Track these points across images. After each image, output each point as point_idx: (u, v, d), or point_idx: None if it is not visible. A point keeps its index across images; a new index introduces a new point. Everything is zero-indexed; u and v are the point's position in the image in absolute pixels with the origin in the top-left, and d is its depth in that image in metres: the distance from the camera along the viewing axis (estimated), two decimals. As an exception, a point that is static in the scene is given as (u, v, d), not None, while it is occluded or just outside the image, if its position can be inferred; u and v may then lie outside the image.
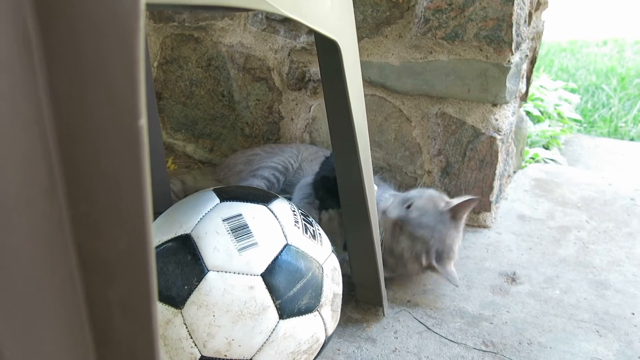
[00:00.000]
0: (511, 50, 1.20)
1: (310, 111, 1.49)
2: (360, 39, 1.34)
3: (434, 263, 1.08)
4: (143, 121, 0.37)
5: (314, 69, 1.44)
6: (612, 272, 1.22)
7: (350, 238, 1.03)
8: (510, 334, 1.04)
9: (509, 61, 1.22)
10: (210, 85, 1.60)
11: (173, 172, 1.67)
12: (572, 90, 2.74)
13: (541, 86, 2.49)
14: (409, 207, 1.10)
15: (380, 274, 1.04)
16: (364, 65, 1.35)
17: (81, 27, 0.35)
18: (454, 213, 1.10)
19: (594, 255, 1.28)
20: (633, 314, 1.10)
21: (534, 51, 1.52)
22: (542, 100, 2.34)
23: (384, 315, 1.09)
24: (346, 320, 1.07)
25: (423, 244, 1.08)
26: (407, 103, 1.36)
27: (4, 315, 0.38)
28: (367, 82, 1.38)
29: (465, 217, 1.12)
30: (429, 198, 1.11)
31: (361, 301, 1.11)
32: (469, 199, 1.10)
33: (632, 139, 2.51)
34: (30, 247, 0.39)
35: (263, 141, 1.58)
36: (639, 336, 1.04)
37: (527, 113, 2.21)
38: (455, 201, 1.11)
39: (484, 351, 1.00)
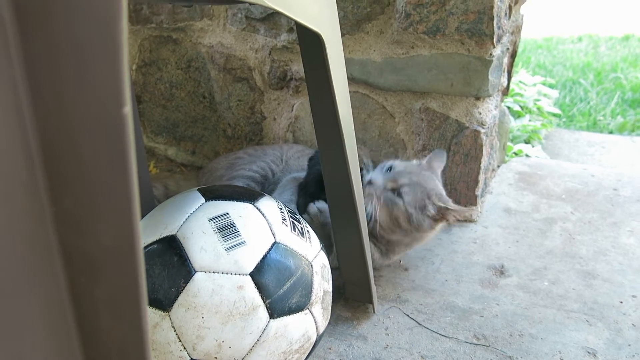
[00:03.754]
0: (493, 43, 1.21)
1: (292, 110, 1.48)
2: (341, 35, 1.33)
3: (444, 203, 1.08)
4: (127, 109, 0.36)
5: (295, 68, 1.43)
6: (599, 261, 1.23)
7: (338, 235, 1.02)
8: (501, 326, 1.04)
9: (490, 54, 1.23)
10: (191, 87, 1.57)
11: (155, 177, 1.65)
12: (551, 86, 2.77)
13: (520, 82, 2.51)
14: (389, 170, 1.11)
15: (370, 271, 1.03)
16: (346, 62, 1.34)
17: (58, 10, 0.34)
18: (429, 164, 1.16)
19: (581, 246, 1.29)
20: (621, 302, 1.10)
21: (514, 45, 1.53)
22: (521, 95, 2.36)
23: (374, 312, 1.08)
24: (336, 318, 1.06)
25: (422, 192, 1.08)
26: (390, 99, 1.36)
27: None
28: (350, 79, 1.37)
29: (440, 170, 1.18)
30: (403, 161, 1.17)
31: (351, 299, 1.10)
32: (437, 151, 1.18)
33: (610, 132, 2.54)
34: (11, 244, 0.36)
35: (246, 142, 1.56)
36: (628, 324, 1.04)
37: (508, 108, 2.22)
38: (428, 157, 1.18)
39: (476, 344, 0.99)
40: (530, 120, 2.22)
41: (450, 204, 1.09)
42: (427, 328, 1.03)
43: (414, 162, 1.18)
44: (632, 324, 1.04)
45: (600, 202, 1.48)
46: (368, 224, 1.05)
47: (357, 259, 1.01)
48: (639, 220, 1.39)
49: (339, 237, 1.02)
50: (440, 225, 1.12)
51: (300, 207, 1.16)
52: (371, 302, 1.07)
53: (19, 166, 0.36)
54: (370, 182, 1.08)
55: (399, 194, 1.07)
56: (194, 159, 1.66)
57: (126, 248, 0.41)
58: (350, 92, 1.37)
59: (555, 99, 2.58)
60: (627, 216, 1.41)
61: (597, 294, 1.13)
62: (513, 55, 1.54)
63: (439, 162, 1.18)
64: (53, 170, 0.38)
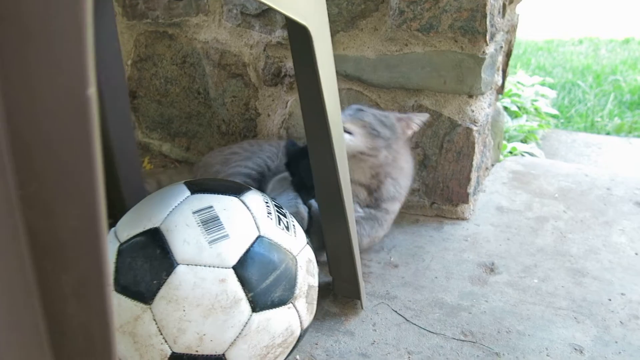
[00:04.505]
0: (485, 41, 1.20)
1: (286, 107, 1.48)
2: (335, 32, 1.33)
3: (404, 115, 1.21)
4: (92, 90, 0.36)
5: (290, 64, 1.43)
6: (589, 260, 1.23)
7: (327, 231, 1.02)
8: (489, 323, 1.04)
9: (483, 52, 1.22)
10: (186, 82, 1.57)
11: (149, 172, 1.65)
12: (550, 86, 2.76)
13: (518, 82, 2.51)
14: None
15: (358, 267, 1.03)
16: (340, 59, 1.35)
17: (18, -8, 0.34)
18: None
19: (572, 244, 1.29)
20: (610, 300, 1.10)
21: (509, 44, 1.53)
22: (519, 95, 2.35)
23: (362, 308, 1.07)
24: (324, 314, 1.05)
25: (379, 112, 1.19)
26: (384, 96, 1.36)
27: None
28: (343, 76, 1.37)
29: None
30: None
31: (339, 295, 1.10)
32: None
33: (608, 133, 2.54)
34: None
35: (240, 138, 1.56)
36: (616, 322, 1.04)
37: (505, 108, 2.22)
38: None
39: (463, 341, 0.99)
40: (527, 121, 2.22)
41: (406, 114, 1.22)
42: (415, 324, 1.03)
43: None
44: (620, 322, 1.04)
45: (592, 202, 1.47)
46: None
47: (345, 254, 1.01)
48: (631, 220, 1.38)
49: (327, 233, 1.02)
50: (410, 135, 1.22)
51: (306, 204, 1.16)
52: (359, 298, 1.07)
53: None
54: None
55: (361, 110, 1.17)
56: (188, 155, 1.66)
57: (91, 230, 0.41)
58: (344, 89, 1.38)
59: (553, 99, 2.58)
60: (619, 215, 1.40)
61: (586, 292, 1.12)
62: (508, 54, 1.54)
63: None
64: (19, 152, 0.38)
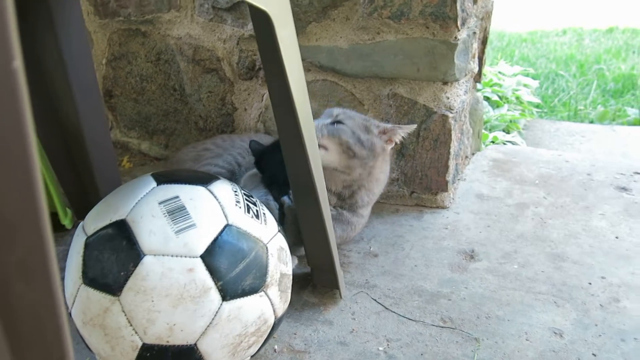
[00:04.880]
0: (457, 26, 1.20)
1: (263, 100, 1.47)
2: (307, 23, 1.32)
3: (390, 125, 1.15)
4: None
5: (265, 57, 1.42)
6: (569, 244, 1.22)
7: (302, 221, 1.01)
8: (468, 309, 1.03)
9: (455, 37, 1.22)
10: (161, 79, 1.56)
11: (129, 171, 1.63)
12: (533, 76, 2.77)
13: (499, 72, 2.51)
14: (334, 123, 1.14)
15: (334, 256, 1.02)
16: (313, 50, 1.34)
17: None
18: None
19: (552, 230, 1.28)
20: (590, 283, 1.10)
21: (485, 31, 1.52)
22: (500, 85, 2.36)
23: (341, 297, 1.06)
24: (303, 304, 1.04)
25: (359, 119, 1.14)
26: (359, 86, 1.35)
27: None
28: (317, 67, 1.36)
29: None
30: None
31: (318, 285, 1.09)
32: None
33: (591, 121, 2.55)
34: None
35: (218, 134, 1.55)
36: (596, 305, 1.03)
37: (487, 99, 2.22)
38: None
39: (442, 327, 0.99)
40: (508, 110, 2.22)
41: (391, 125, 1.15)
42: (394, 312, 1.02)
43: None
44: (600, 305, 1.03)
45: (573, 187, 1.47)
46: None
47: (321, 244, 1.00)
48: (611, 204, 1.38)
49: (303, 223, 1.01)
50: (390, 149, 1.17)
51: (278, 201, 1.14)
52: (338, 287, 1.06)
53: None
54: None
55: (340, 122, 1.11)
56: (167, 152, 1.65)
57: (29, 212, 0.40)
58: (318, 80, 1.37)
59: (535, 88, 2.58)
60: (600, 200, 1.40)
61: (566, 276, 1.12)
62: (484, 42, 1.54)
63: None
64: None
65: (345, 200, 1.17)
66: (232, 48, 1.44)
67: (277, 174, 1.15)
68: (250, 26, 1.40)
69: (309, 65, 1.36)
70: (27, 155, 0.38)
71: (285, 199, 1.13)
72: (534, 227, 1.29)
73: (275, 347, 0.94)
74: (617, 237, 1.25)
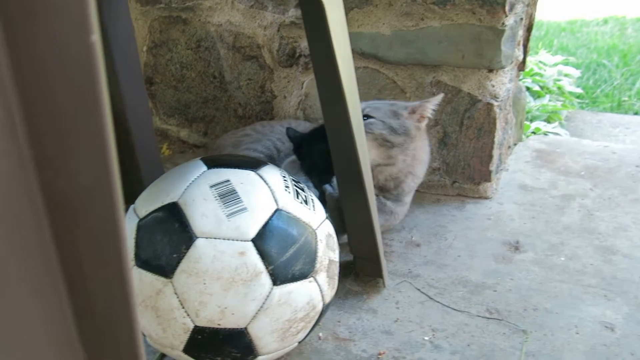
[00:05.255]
0: (505, 12, 1.17)
1: (302, 87, 1.46)
2: (349, 10, 1.30)
3: (417, 102, 1.13)
4: (95, 37, 0.34)
5: (304, 44, 1.41)
6: (619, 237, 1.19)
7: (346, 210, 1.00)
8: (514, 300, 1.01)
9: (503, 23, 1.19)
10: (201, 67, 1.57)
11: (168, 158, 1.65)
12: (573, 66, 2.69)
13: (540, 62, 2.45)
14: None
15: (379, 245, 1.01)
16: (355, 37, 1.32)
17: None
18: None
19: (599, 222, 1.25)
20: (641, 277, 1.06)
21: (530, 18, 1.48)
22: (541, 75, 2.30)
23: (384, 286, 1.06)
24: (346, 292, 1.04)
25: (384, 107, 1.13)
26: (401, 73, 1.33)
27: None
28: (359, 54, 1.35)
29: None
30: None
31: (361, 273, 1.08)
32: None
33: (636, 113, 2.47)
34: None
35: (257, 121, 1.55)
36: (648, 298, 1.00)
37: (527, 89, 2.16)
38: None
39: (488, 318, 0.97)
40: (550, 101, 2.16)
41: (418, 102, 1.13)
42: (439, 302, 1.01)
43: None
44: (653, 298, 1.00)
45: (621, 179, 1.43)
46: None
47: (366, 232, 0.99)
48: (662, 196, 1.34)
49: (347, 211, 1.00)
50: (424, 124, 1.15)
51: (318, 189, 1.14)
52: (381, 276, 1.05)
53: None
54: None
55: (367, 116, 1.10)
56: (206, 140, 1.66)
57: (103, 186, 0.40)
58: (360, 67, 1.35)
59: (576, 78, 2.51)
60: (650, 192, 1.36)
61: (616, 270, 1.09)
62: (529, 29, 1.50)
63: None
64: (28, 108, 0.37)
65: (390, 191, 1.16)
66: (273, 35, 1.43)
67: (317, 161, 1.14)
68: (291, 12, 1.39)
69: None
70: (102, 130, 0.38)
71: (328, 187, 1.12)
72: (580, 219, 1.26)
73: (320, 334, 0.94)
74: (668, 231, 1.21)
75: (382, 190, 1.16)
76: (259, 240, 0.76)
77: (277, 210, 0.79)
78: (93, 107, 0.37)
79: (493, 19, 1.18)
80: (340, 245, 1.10)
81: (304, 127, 1.35)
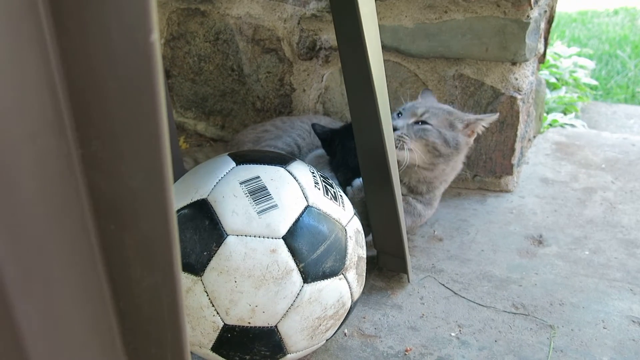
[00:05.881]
0: (530, 4, 1.15)
1: (322, 81, 1.45)
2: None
3: (467, 117, 1.11)
4: (155, 36, 0.33)
5: (325, 37, 1.40)
6: (643, 231, 1.18)
7: (371, 204, 1.00)
8: (540, 295, 1.01)
9: (528, 16, 1.17)
10: (219, 59, 1.56)
11: (185, 152, 1.64)
12: (588, 56, 2.67)
13: (556, 53, 2.42)
14: (401, 114, 1.12)
15: (404, 240, 1.00)
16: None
17: None
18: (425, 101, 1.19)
19: (622, 215, 1.24)
20: (668, 271, 1.06)
21: (552, 10, 1.47)
22: (557, 67, 2.27)
23: (408, 282, 1.05)
24: (370, 288, 1.04)
25: (442, 113, 1.11)
26: (423, 67, 1.32)
27: (12, 260, 0.34)
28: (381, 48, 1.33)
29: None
30: (407, 102, 1.17)
31: (384, 269, 1.08)
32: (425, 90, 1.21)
33: (650, 104, 2.44)
34: (37, 184, 0.34)
35: (275, 115, 1.54)
36: (676, 293, 1.00)
37: (546, 82, 2.14)
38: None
39: (515, 313, 0.97)
40: (566, 92, 2.14)
41: (474, 115, 1.12)
42: (464, 297, 1.01)
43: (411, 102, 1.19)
44: (680, 294, 1.00)
45: (643, 172, 1.42)
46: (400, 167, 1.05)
47: (391, 227, 0.99)
48: (686, 189, 1.33)
49: (372, 206, 1.00)
50: (472, 140, 1.15)
51: (342, 185, 1.13)
52: (406, 271, 1.04)
53: (44, 102, 0.34)
54: (395, 129, 1.05)
55: (425, 122, 1.08)
56: (223, 133, 1.65)
57: (156, 190, 0.39)
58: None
59: (591, 70, 2.48)
60: (673, 185, 1.35)
61: (642, 264, 1.08)
62: (550, 21, 1.48)
63: (432, 98, 1.22)
64: (79, 108, 0.36)
65: (422, 194, 1.15)
66: (293, 28, 1.42)
67: (348, 158, 1.13)
68: (312, 5, 1.38)
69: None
70: (157, 133, 0.37)
71: (354, 183, 1.11)
72: (603, 212, 1.25)
73: (345, 331, 0.94)
74: (692, 225, 1.20)
75: (412, 191, 1.15)
76: (290, 238, 0.75)
77: (307, 207, 0.78)
78: (148, 108, 0.36)
79: (518, 11, 1.17)
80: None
81: (325, 122, 1.34)
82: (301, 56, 1.45)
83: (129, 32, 0.34)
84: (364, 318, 0.97)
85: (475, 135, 1.13)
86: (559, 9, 4.31)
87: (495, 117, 1.11)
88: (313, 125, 1.21)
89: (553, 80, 2.17)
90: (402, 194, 1.11)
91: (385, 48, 1.34)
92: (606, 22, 4.01)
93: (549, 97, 2.04)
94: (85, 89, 0.35)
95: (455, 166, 1.15)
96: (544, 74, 2.19)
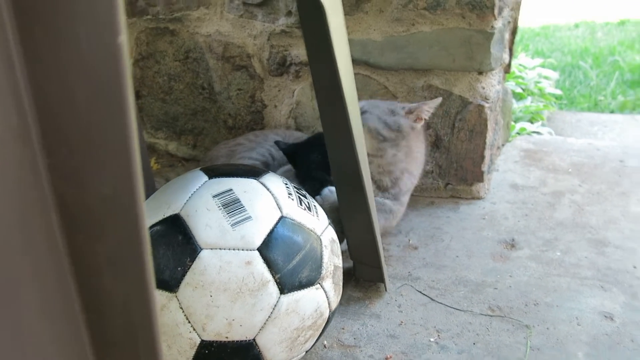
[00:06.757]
0: (494, 15, 1.19)
1: (293, 96, 1.46)
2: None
3: (414, 105, 1.15)
4: (123, 38, 0.33)
5: (295, 52, 1.42)
6: (610, 230, 1.21)
7: (346, 215, 1.00)
8: (515, 297, 1.02)
9: (492, 27, 1.21)
10: (189, 78, 1.56)
11: (157, 172, 1.63)
12: (552, 67, 2.75)
13: (521, 65, 2.49)
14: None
15: (380, 249, 1.01)
16: (345, 44, 1.33)
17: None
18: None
19: (590, 216, 1.27)
20: (635, 267, 1.09)
21: (515, 21, 1.51)
22: (522, 78, 2.34)
23: (386, 290, 1.06)
24: (347, 299, 1.04)
25: (383, 106, 1.16)
26: (392, 79, 1.34)
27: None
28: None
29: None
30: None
31: (361, 279, 1.08)
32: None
33: (612, 111, 2.53)
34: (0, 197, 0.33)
35: (247, 132, 1.54)
36: (644, 289, 1.02)
37: (513, 92, 2.20)
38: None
39: (491, 316, 0.98)
40: (532, 102, 2.20)
41: (416, 103, 1.16)
42: (441, 303, 1.02)
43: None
44: (648, 289, 1.02)
45: (607, 174, 1.46)
46: None
47: (367, 237, 0.99)
48: (649, 189, 1.37)
49: (347, 218, 1.00)
50: (420, 126, 1.17)
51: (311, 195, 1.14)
52: (382, 281, 1.05)
53: (8, 109, 0.33)
54: None
55: (364, 112, 1.13)
56: (195, 152, 1.65)
57: (126, 198, 0.38)
58: (350, 74, 1.36)
59: (555, 80, 2.56)
60: (635, 185, 1.39)
61: (610, 261, 1.11)
62: (514, 32, 1.52)
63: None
64: (45, 114, 0.35)
65: (388, 190, 1.17)
66: (263, 44, 1.44)
67: (312, 171, 1.14)
68: (281, 21, 1.40)
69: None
70: (126, 139, 0.37)
71: (317, 197, 1.12)
72: (572, 215, 1.28)
73: (325, 342, 0.93)
74: (657, 223, 1.24)
75: (378, 188, 1.17)
76: (265, 249, 0.75)
77: (281, 218, 0.78)
78: (117, 114, 0.36)
79: (482, 22, 1.20)
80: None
81: (296, 136, 1.35)
82: (272, 72, 1.46)
83: (96, 33, 0.33)
84: (343, 329, 0.96)
85: (422, 122, 1.16)
86: (523, 24, 4.45)
87: (438, 101, 1.14)
88: (276, 142, 1.22)
89: (519, 90, 2.22)
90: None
91: (354, 62, 1.35)
92: (568, 36, 4.15)
93: (515, 106, 2.09)
94: (51, 94, 0.34)
95: (410, 153, 1.17)
96: (511, 84, 2.25)
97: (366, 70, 1.36)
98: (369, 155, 1.11)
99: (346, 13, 1.32)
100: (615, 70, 3.06)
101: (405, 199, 1.21)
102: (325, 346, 0.92)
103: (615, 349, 0.89)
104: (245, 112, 1.54)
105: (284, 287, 0.75)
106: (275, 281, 0.75)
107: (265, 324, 0.75)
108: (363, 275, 1.08)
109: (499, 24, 1.24)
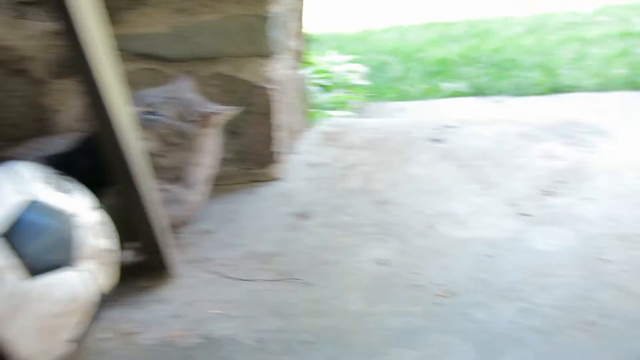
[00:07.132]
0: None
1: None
2: (118, 10, 1.28)
3: (206, 108, 1.12)
4: None
5: (74, 51, 1.35)
6: (392, 191, 1.33)
7: (127, 209, 0.98)
8: (304, 260, 1.08)
9: (267, 11, 1.27)
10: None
11: None
12: (362, 62, 2.97)
13: (331, 62, 2.66)
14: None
15: (159, 236, 1.00)
16: (130, 39, 1.30)
17: None
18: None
19: (377, 182, 1.38)
20: (409, 219, 1.20)
21: (301, 11, 1.60)
22: (330, 72, 2.50)
23: (175, 275, 1.04)
24: (134, 289, 1.01)
25: (181, 104, 1.11)
26: (181, 70, 1.34)
27: None
28: (137, 56, 1.33)
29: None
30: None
31: (153, 269, 1.05)
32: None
33: (414, 99, 2.80)
34: None
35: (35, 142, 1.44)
36: (412, 234, 1.15)
37: (319, 85, 2.33)
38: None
39: (278, 280, 1.02)
40: (341, 94, 2.35)
41: (212, 107, 1.13)
42: (230, 277, 1.04)
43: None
44: (418, 233, 1.15)
45: (395, 145, 1.59)
46: None
47: (145, 227, 0.98)
48: (426, 153, 1.52)
49: (125, 210, 0.97)
50: (211, 131, 1.14)
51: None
52: (169, 267, 1.04)
53: None
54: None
55: (154, 113, 1.09)
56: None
57: None
58: (139, 69, 1.33)
59: (364, 73, 2.77)
60: (417, 152, 1.53)
61: (389, 216, 1.22)
62: (301, 20, 1.62)
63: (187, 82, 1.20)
64: None
65: (181, 179, 1.14)
66: (43, 45, 1.35)
67: (83, 179, 1.08)
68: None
69: (126, 55, 1.31)
70: None
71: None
72: (362, 183, 1.38)
73: (100, 335, 0.89)
74: (430, 179, 1.38)
75: (172, 180, 1.14)
76: (9, 234, 0.71)
77: (29, 201, 0.75)
78: None
79: (259, 7, 1.26)
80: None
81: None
82: (53, 75, 1.38)
83: None
84: (124, 318, 0.93)
85: (211, 127, 1.14)
86: (345, 30, 4.75)
87: (234, 109, 1.14)
88: (45, 160, 1.13)
89: (328, 83, 2.37)
90: (162, 186, 1.10)
91: (141, 56, 1.34)
92: (382, 38, 4.53)
93: (324, 98, 2.22)
94: None
95: (200, 148, 1.14)
96: (318, 79, 2.38)
97: (156, 64, 1.34)
98: (155, 155, 1.09)
99: (128, 7, 1.30)
100: (420, 64, 3.40)
101: (202, 188, 1.20)
102: (101, 338, 0.88)
103: (387, 288, 0.99)
104: (29, 119, 1.43)
105: (31, 271, 0.71)
106: (19, 266, 0.70)
107: (10, 313, 0.70)
108: (151, 264, 1.05)
109: (276, 8, 1.30)
